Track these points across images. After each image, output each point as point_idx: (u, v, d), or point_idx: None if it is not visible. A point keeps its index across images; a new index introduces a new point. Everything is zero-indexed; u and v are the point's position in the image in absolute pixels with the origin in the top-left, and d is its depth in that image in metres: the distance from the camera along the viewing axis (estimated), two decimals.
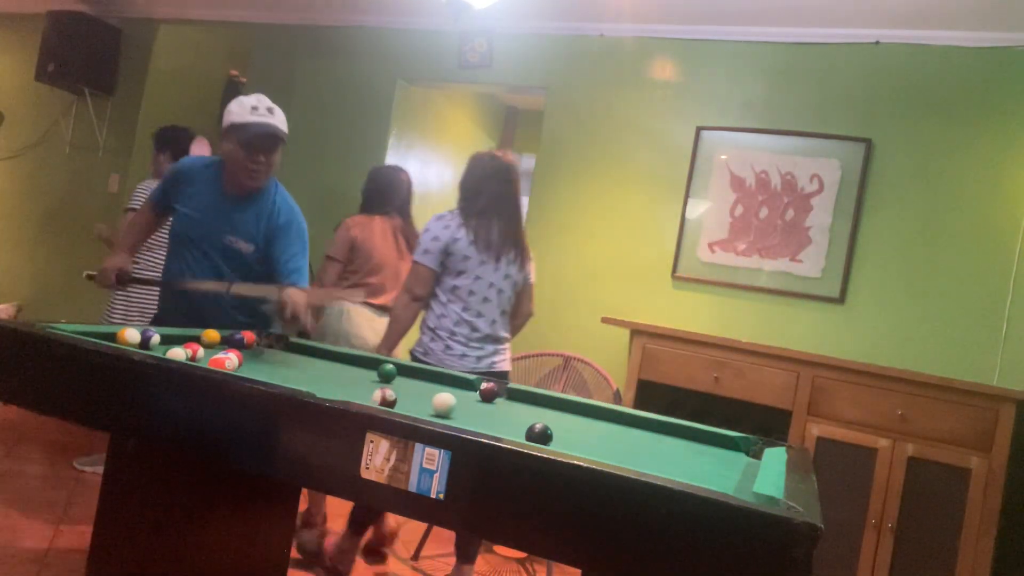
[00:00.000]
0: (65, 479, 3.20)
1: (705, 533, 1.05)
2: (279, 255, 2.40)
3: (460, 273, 2.60)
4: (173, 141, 3.56)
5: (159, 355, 1.58)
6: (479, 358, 2.61)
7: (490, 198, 2.64)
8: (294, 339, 2.44)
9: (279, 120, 2.34)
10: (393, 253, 3.18)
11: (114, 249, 2.54)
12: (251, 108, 2.32)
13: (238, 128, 2.31)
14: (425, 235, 2.64)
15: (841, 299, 3.48)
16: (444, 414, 1.57)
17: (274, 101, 2.38)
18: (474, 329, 2.61)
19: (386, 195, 3.24)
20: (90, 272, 2.47)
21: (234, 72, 5.49)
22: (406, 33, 4.42)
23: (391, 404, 1.48)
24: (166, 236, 2.63)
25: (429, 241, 2.61)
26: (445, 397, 1.60)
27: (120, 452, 1.65)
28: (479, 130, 5.78)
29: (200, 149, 3.60)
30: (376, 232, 3.15)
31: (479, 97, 5.64)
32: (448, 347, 2.59)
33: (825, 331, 3.49)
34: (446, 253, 2.59)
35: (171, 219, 2.54)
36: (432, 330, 2.63)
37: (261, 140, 2.31)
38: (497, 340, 2.67)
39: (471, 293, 2.61)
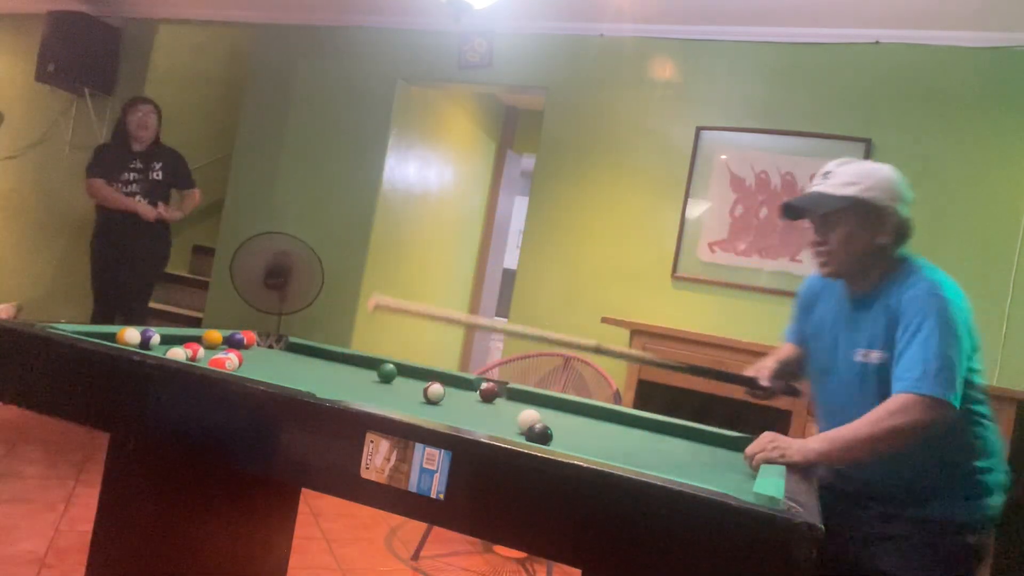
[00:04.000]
0: (65, 479, 3.20)
1: (705, 533, 1.05)
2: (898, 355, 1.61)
3: None
4: None
5: (159, 355, 1.58)
6: None
7: None
8: (294, 339, 2.43)
9: (831, 184, 1.68)
10: None
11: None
12: (815, 176, 1.77)
13: None
14: None
15: None
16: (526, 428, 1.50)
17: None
18: None
19: None
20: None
21: None
22: (406, 33, 4.41)
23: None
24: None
25: None
26: (530, 414, 1.58)
27: (120, 452, 1.65)
28: (479, 130, 5.78)
29: None
30: None
31: (479, 97, 5.64)
32: None
33: None
34: None
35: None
36: None
37: (790, 211, 1.76)
38: None
39: None
